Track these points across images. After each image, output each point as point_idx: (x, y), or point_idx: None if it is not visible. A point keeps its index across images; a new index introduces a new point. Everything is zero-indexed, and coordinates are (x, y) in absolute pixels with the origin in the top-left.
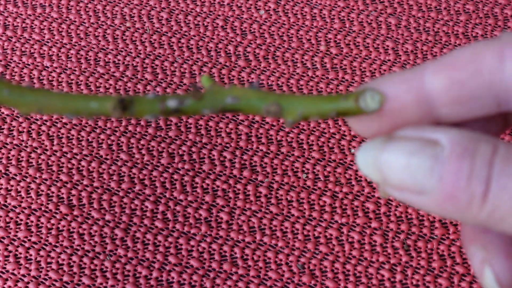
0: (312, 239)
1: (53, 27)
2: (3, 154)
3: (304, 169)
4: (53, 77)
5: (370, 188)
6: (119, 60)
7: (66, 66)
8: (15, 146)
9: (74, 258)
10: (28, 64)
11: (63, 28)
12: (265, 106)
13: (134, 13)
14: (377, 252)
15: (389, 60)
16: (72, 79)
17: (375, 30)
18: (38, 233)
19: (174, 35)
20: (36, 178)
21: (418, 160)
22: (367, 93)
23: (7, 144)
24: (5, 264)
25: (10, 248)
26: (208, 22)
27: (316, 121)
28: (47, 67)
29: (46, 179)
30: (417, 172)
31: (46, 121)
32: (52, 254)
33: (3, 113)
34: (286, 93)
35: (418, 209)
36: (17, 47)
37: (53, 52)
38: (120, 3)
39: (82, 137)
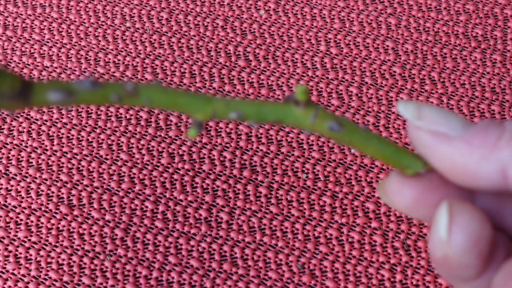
0: (312, 239)
1: (53, 27)
2: (3, 154)
3: (304, 169)
4: (53, 77)
5: (370, 188)
6: (119, 60)
7: (66, 66)
8: (15, 146)
9: (74, 258)
10: (28, 64)
11: (63, 28)
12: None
13: (134, 13)
14: (377, 252)
15: (389, 60)
16: (72, 79)
17: (375, 30)
18: (38, 233)
19: (174, 35)
20: (36, 178)
21: (455, 117)
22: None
23: (7, 144)
24: (5, 264)
25: (10, 248)
26: (208, 22)
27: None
28: (47, 67)
29: (46, 179)
30: (451, 119)
31: (46, 121)
32: (52, 254)
33: (3, 113)
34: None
35: (439, 159)
36: (17, 47)
37: (53, 52)
38: (120, 3)
39: (82, 137)
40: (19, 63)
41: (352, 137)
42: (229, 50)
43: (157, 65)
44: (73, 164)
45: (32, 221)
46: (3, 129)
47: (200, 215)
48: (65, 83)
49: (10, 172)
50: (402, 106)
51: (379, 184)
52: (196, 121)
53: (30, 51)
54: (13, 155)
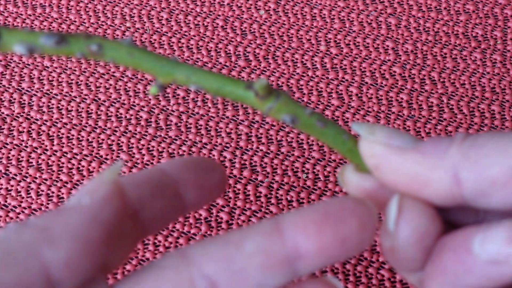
0: None
1: (53, 27)
2: (3, 154)
3: (304, 169)
4: (53, 77)
5: None
6: None
7: (66, 66)
8: (15, 146)
9: None
10: (28, 64)
11: (63, 28)
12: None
13: (134, 13)
14: (377, 252)
15: (389, 60)
16: (72, 79)
17: (375, 30)
18: None
19: (174, 35)
20: (36, 178)
21: (407, 134)
22: None
23: (7, 144)
24: None
25: None
26: (208, 22)
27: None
28: (47, 67)
29: (46, 179)
30: (403, 135)
31: (46, 121)
32: None
33: (3, 113)
34: None
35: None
36: None
37: None
38: (120, 3)
39: (82, 137)
40: (19, 63)
41: (307, 130)
42: (229, 50)
43: None
44: (73, 164)
45: None
46: (3, 129)
47: (200, 215)
48: (32, 36)
49: (10, 172)
50: (356, 125)
51: (340, 170)
52: (158, 82)
53: None
54: (13, 155)
